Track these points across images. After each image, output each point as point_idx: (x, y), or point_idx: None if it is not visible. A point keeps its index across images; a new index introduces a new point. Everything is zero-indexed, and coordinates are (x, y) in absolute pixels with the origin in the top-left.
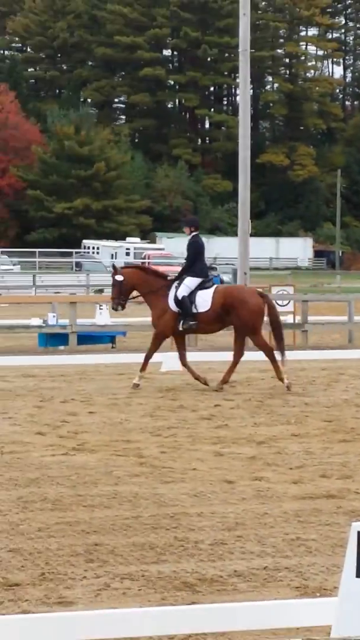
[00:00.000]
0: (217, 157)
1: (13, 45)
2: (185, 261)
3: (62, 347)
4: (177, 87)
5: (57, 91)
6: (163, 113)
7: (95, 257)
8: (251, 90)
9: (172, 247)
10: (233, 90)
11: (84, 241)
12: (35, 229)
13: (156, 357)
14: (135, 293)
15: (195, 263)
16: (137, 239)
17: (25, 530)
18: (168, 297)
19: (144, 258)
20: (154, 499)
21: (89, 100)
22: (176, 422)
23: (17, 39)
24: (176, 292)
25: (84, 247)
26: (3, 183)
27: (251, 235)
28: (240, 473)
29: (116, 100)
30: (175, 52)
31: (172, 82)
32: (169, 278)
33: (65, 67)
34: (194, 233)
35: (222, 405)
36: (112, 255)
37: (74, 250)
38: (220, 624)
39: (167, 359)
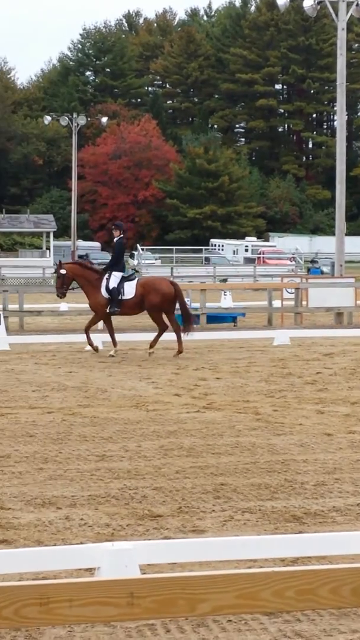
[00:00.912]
0: (318, 171)
1: (155, 82)
2: (112, 257)
3: (194, 326)
4: (286, 114)
5: (190, 119)
6: (275, 136)
7: (220, 253)
8: (346, 116)
9: (282, 245)
10: (331, 116)
11: (212, 240)
12: (172, 231)
13: (269, 333)
14: (74, 284)
15: (119, 260)
16: (254, 238)
17: (165, 472)
18: (101, 287)
19: (260, 253)
20: (268, 447)
21: (216, 126)
22: (286, 386)
23: (158, 77)
24: (107, 283)
25: (211, 245)
26: (147, 194)
27: (346, 234)
28: (338, 427)
29: (237, 125)
30: (284, 86)
31: (282, 111)
32: (100, 272)
33: (196, 100)
34: (121, 235)
35: (323, 373)
36: (234, 251)
37: (203, 248)
38: (322, 550)
39: (278, 335)
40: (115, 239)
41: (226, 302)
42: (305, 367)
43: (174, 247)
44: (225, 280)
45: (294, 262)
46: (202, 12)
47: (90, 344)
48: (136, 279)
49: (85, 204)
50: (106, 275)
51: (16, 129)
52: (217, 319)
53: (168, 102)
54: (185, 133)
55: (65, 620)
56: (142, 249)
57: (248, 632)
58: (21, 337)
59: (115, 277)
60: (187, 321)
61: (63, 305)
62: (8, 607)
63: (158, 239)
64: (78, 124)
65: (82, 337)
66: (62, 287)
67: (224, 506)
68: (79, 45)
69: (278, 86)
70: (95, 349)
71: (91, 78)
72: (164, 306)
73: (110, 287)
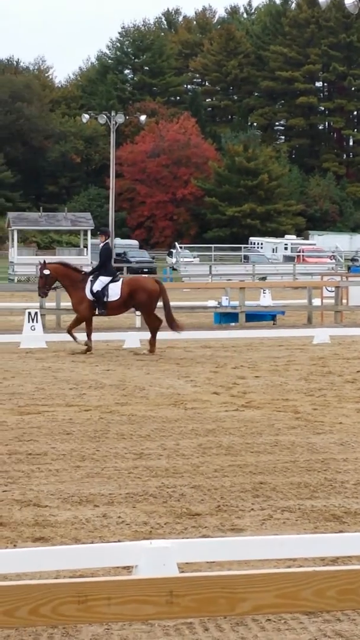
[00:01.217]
0: (359, 169)
1: (195, 80)
2: (99, 262)
3: (233, 324)
4: (326, 112)
5: (230, 117)
6: (315, 133)
7: (259, 251)
8: None
9: (322, 243)
10: None
11: (251, 238)
12: (211, 229)
13: (309, 331)
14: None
15: (107, 264)
16: (293, 236)
17: (204, 471)
18: (85, 288)
19: (299, 252)
20: (307, 446)
21: (255, 123)
22: (326, 385)
23: (197, 75)
24: (92, 286)
25: (250, 243)
26: (186, 192)
27: None
28: None
29: (277, 123)
30: (325, 84)
31: (322, 108)
32: (83, 273)
33: (236, 97)
34: (106, 240)
35: None
36: (273, 249)
37: (242, 246)
38: None
39: (318, 334)
40: (100, 245)
41: (265, 300)
42: (345, 366)
43: (213, 245)
44: (264, 279)
45: (334, 261)
46: (242, 9)
47: (78, 341)
48: (120, 279)
49: (123, 202)
50: (91, 277)
51: (54, 127)
52: (256, 317)
53: (207, 100)
54: (225, 131)
55: (103, 618)
56: (181, 247)
57: (287, 632)
58: (58, 335)
59: (100, 282)
60: (171, 320)
61: None
62: (46, 605)
63: (196, 237)
64: (116, 122)
65: (119, 335)
66: (45, 286)
67: (262, 505)
68: (118, 44)
69: (318, 84)
70: (87, 345)
71: (130, 76)
72: (152, 304)
73: (95, 290)
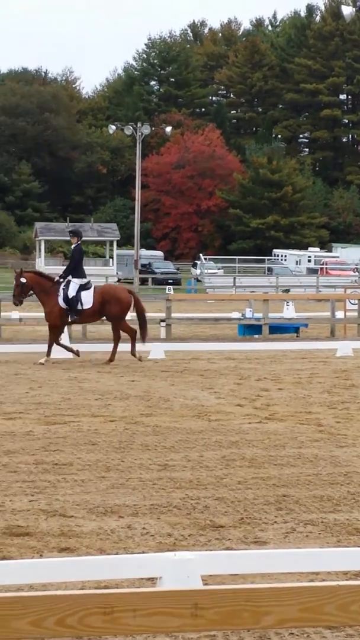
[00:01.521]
0: None
1: (219, 92)
2: (70, 264)
3: (256, 336)
4: (350, 124)
5: (254, 129)
6: (339, 146)
7: (283, 263)
8: None
9: (345, 255)
10: None
11: (274, 250)
12: (235, 240)
13: (332, 344)
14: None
15: (78, 267)
16: (317, 249)
17: (227, 483)
18: (57, 295)
19: (322, 264)
20: (330, 459)
21: (279, 136)
22: (349, 398)
23: (222, 87)
24: (65, 292)
25: (274, 255)
26: (210, 203)
27: None
28: None
29: (301, 136)
30: (349, 96)
31: (346, 121)
32: (55, 281)
33: (260, 110)
34: (78, 242)
35: None
36: (297, 262)
37: (266, 258)
38: None
39: (341, 347)
40: (72, 246)
41: (289, 312)
42: None
43: (237, 257)
44: (287, 291)
45: (357, 273)
46: (266, 22)
47: (70, 350)
48: (92, 287)
49: (148, 213)
50: (63, 285)
51: (81, 138)
52: (279, 329)
53: (232, 111)
54: (249, 143)
55: (128, 630)
56: (205, 259)
57: None
58: (84, 345)
59: (74, 284)
60: (143, 329)
61: None
62: (73, 616)
63: (221, 248)
64: (142, 134)
65: (143, 347)
66: (20, 295)
67: (286, 518)
68: (144, 55)
69: (342, 96)
70: (77, 353)
71: (156, 87)
72: (123, 315)
73: (70, 295)
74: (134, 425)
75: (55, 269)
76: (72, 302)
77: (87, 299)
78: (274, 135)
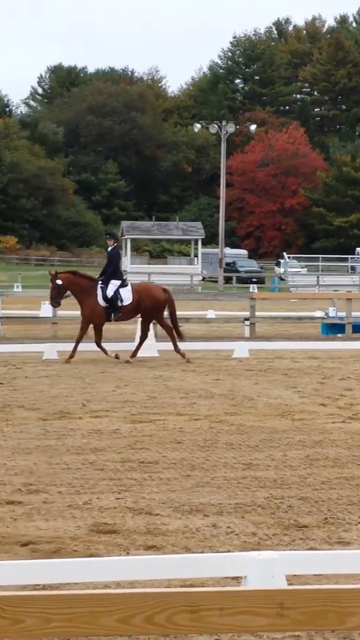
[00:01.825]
0: None
1: (303, 90)
2: (108, 267)
3: (340, 335)
4: None
5: (338, 126)
6: None
7: None
8: None
9: None
10: None
11: (358, 249)
12: (318, 239)
13: None
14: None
15: (116, 269)
16: None
17: (311, 483)
18: (95, 295)
19: None
20: None
21: None
22: None
23: (306, 85)
24: (104, 292)
25: (357, 254)
26: (294, 202)
27: None
28: None
29: None
30: None
31: None
32: (92, 280)
33: (344, 107)
34: (115, 244)
35: None
36: None
37: (349, 256)
38: None
39: None
40: (109, 248)
41: None
42: None
43: (320, 256)
44: None
45: None
46: (351, 18)
47: (107, 353)
48: (129, 284)
49: (232, 212)
50: (101, 284)
51: (166, 137)
52: None
53: (316, 109)
54: (333, 141)
55: (214, 628)
56: (288, 257)
57: None
58: (169, 344)
59: (112, 285)
60: (176, 329)
61: (210, 313)
62: (160, 614)
63: (304, 247)
64: (227, 132)
65: (228, 345)
66: (58, 296)
67: None
68: (229, 53)
69: None
70: (117, 356)
71: (240, 86)
72: (156, 313)
73: (109, 295)
74: (219, 424)
75: (141, 267)
76: (113, 300)
77: (126, 295)
78: (357, 133)
